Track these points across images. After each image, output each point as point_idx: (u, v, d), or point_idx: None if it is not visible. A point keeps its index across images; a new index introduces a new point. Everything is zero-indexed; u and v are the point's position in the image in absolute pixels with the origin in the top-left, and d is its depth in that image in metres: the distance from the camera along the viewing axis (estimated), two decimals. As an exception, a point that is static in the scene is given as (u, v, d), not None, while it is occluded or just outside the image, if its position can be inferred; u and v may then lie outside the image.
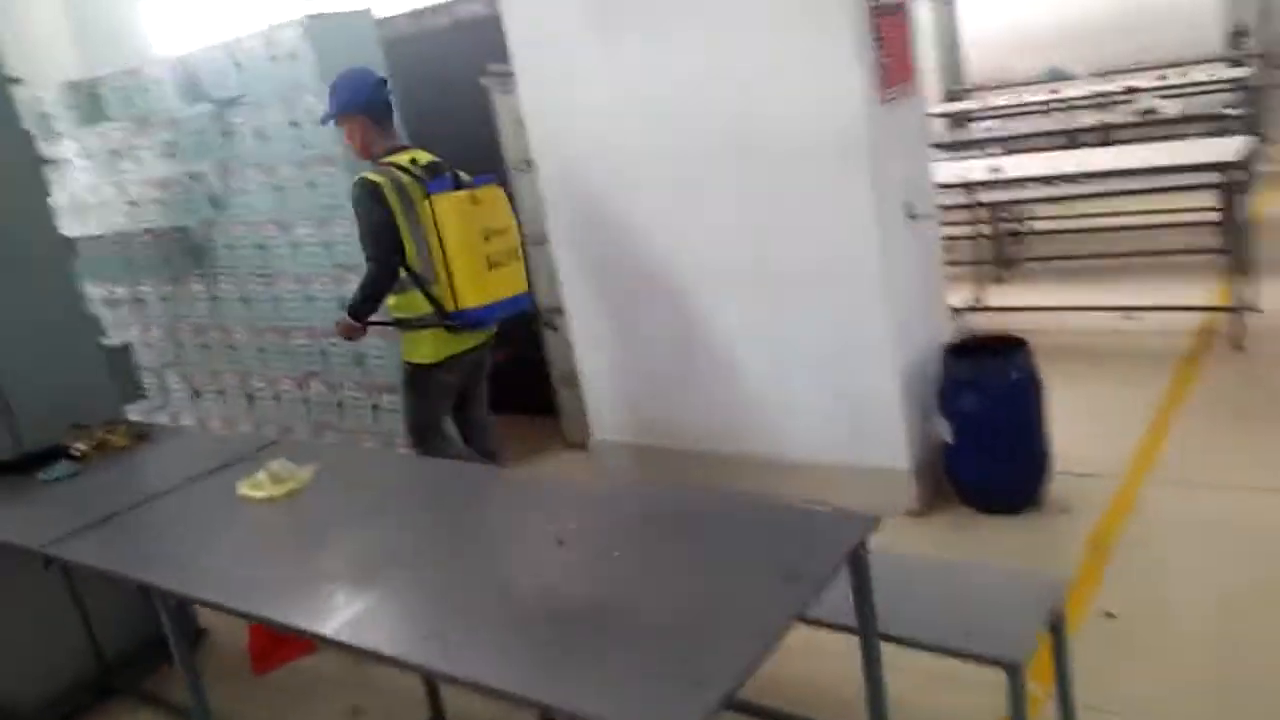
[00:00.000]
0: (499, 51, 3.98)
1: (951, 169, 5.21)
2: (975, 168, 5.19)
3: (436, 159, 3.44)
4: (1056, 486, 3.44)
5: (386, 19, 4.60)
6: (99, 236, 5.03)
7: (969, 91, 8.57)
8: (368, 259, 3.30)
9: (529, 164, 4.14)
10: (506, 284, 3.30)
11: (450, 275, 3.18)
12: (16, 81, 3.05)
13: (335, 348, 4.44)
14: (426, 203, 3.18)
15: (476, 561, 1.91)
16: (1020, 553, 3.17)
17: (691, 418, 3.93)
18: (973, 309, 5.18)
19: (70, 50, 5.68)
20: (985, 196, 5.41)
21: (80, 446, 2.93)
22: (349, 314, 3.37)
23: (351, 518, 2.21)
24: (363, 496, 2.31)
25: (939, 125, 7.37)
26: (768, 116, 3.35)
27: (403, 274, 3.31)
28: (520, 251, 3.39)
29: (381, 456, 2.53)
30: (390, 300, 3.40)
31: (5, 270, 3.01)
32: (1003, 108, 7.50)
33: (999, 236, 6.18)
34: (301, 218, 4.30)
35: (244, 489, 2.34)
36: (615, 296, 4.00)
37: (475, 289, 3.19)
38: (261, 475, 2.38)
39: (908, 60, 3.46)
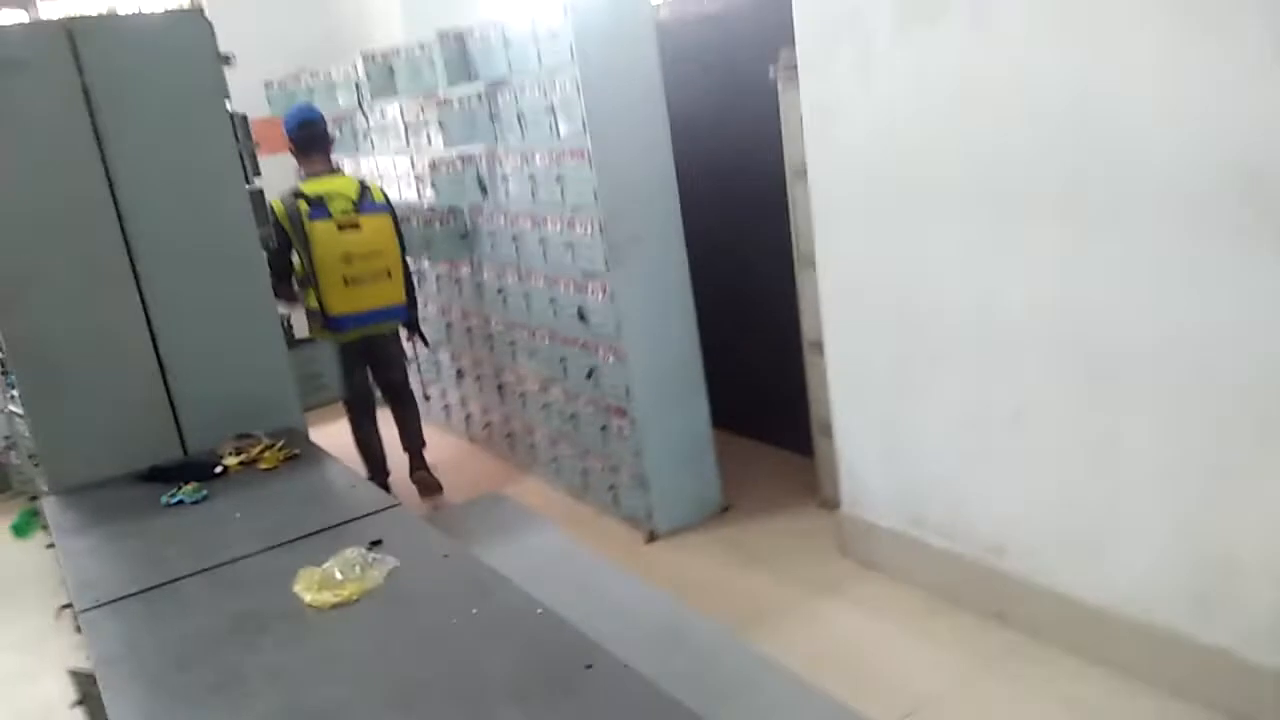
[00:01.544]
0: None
1: None
2: None
3: (353, 187, 4.18)
4: None
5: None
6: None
7: None
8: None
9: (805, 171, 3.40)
10: (368, 299, 4.11)
11: (317, 286, 4.03)
12: (227, 61, 2.86)
13: (572, 358, 4.03)
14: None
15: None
16: None
17: (974, 518, 3.03)
18: None
19: (401, 18, 5.71)
20: None
21: (227, 463, 2.73)
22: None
23: (388, 668, 1.69)
24: (418, 631, 1.80)
25: None
26: (1134, 141, 2.36)
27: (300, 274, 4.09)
28: (391, 272, 4.19)
29: (477, 573, 1.98)
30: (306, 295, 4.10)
31: (186, 269, 2.85)
32: None
33: None
34: (551, 213, 3.90)
35: (300, 583, 1.93)
36: (890, 343, 3.18)
37: (336, 300, 4.05)
38: (331, 564, 1.96)
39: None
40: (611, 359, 3.77)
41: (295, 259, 4.05)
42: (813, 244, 3.43)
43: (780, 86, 3.56)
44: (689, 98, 4.32)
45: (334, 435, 4.86)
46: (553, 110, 3.69)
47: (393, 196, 5.15)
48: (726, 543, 3.78)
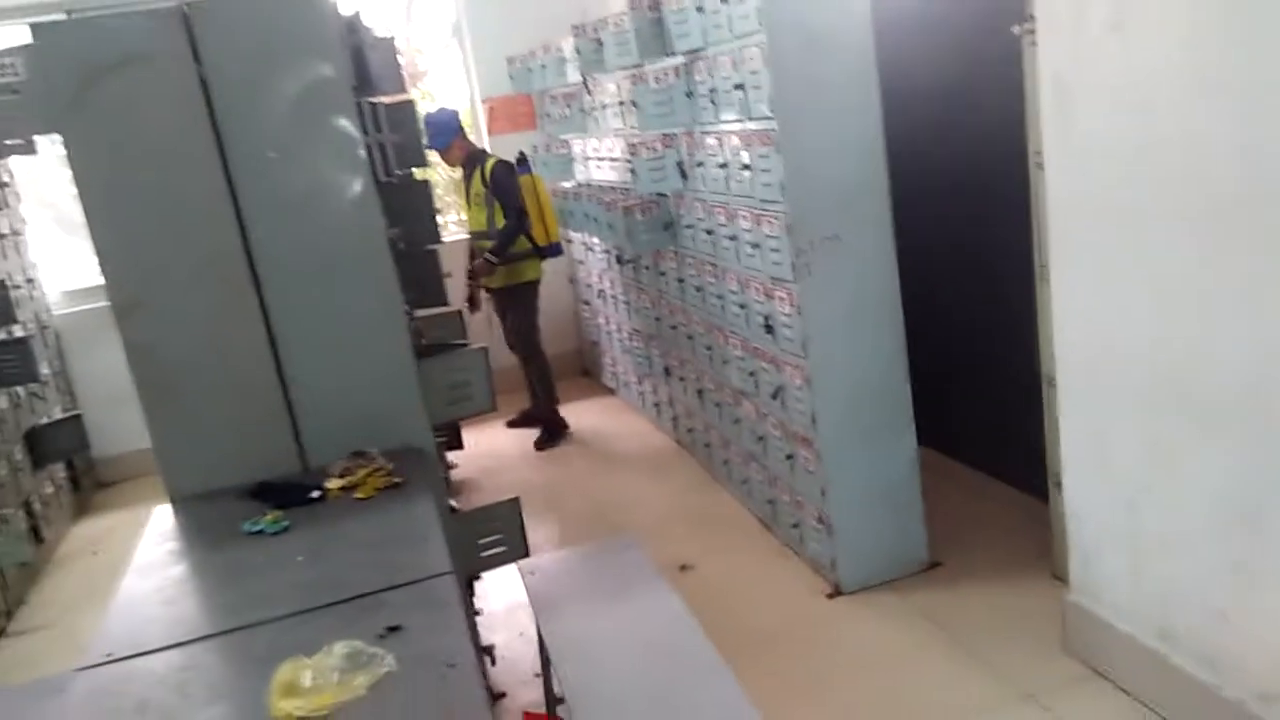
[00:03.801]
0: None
1: None
2: None
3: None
4: None
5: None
6: (587, 187, 4.76)
7: None
8: (511, 214, 4.95)
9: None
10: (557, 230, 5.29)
11: (544, 222, 5.20)
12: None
13: (761, 373, 3.50)
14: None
15: None
16: None
17: (1242, 649, 2.22)
18: None
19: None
20: None
21: (328, 486, 2.52)
22: (493, 254, 4.93)
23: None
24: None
25: None
26: None
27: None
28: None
29: (470, 692, 1.59)
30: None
31: (309, 274, 2.65)
32: None
33: None
34: (742, 206, 3.38)
35: (276, 679, 1.62)
36: (1142, 400, 2.39)
37: (553, 228, 5.25)
38: (317, 660, 1.64)
39: None
40: (798, 380, 3.21)
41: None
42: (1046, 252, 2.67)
43: (1025, 49, 2.80)
44: (911, 68, 3.64)
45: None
46: (742, 86, 3.16)
47: (606, 179, 4.91)
48: (924, 611, 3.12)
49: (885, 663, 2.91)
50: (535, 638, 2.81)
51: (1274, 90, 1.86)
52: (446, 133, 4.96)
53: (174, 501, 2.64)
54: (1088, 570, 2.69)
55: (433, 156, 4.95)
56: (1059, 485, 2.88)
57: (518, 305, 5.21)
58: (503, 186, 4.92)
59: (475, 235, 5.17)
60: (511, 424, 5.57)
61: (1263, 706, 2.14)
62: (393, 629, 1.77)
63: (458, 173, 5.31)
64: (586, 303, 6.03)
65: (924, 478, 3.31)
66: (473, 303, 5.14)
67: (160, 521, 2.53)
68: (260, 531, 2.33)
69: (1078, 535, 2.72)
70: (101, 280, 2.54)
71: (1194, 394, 2.21)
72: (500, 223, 4.94)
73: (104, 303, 2.61)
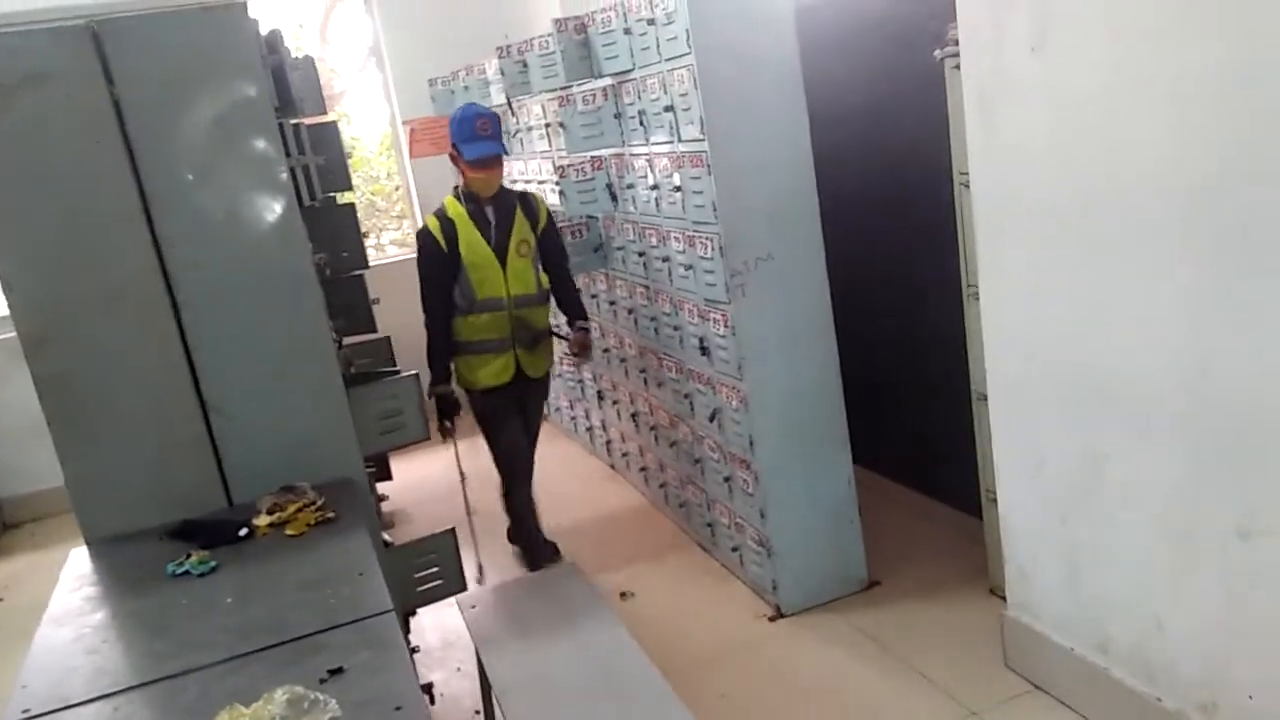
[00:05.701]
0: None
1: None
2: None
3: None
4: None
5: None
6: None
7: None
8: (573, 267, 3.87)
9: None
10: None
11: None
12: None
13: (696, 395, 3.49)
14: None
15: None
16: None
17: (1176, 658, 2.26)
18: None
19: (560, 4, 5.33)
20: None
21: (257, 523, 2.41)
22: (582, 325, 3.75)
23: None
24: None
25: None
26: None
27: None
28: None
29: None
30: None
31: (231, 299, 2.55)
32: None
33: None
34: (675, 228, 3.37)
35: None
36: (1072, 414, 2.43)
37: None
38: (263, 703, 1.55)
39: None
40: (735, 402, 3.20)
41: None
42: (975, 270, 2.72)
43: (947, 72, 2.85)
44: (836, 91, 3.70)
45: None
46: (672, 108, 3.15)
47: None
48: (865, 630, 3.12)
49: (830, 684, 2.90)
50: (475, 673, 2.73)
51: (1193, 102, 1.92)
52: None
53: (91, 543, 2.50)
54: (1024, 585, 2.72)
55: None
56: (993, 500, 2.92)
57: (543, 394, 3.95)
58: (558, 231, 3.81)
59: (520, 301, 3.55)
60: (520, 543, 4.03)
61: (1202, 717, 2.18)
62: (335, 672, 1.69)
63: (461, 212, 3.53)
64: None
65: (860, 497, 3.33)
66: (448, 425, 3.63)
67: (77, 565, 2.39)
68: (186, 573, 2.21)
69: (1013, 550, 2.75)
70: (7, 310, 2.40)
71: (1123, 405, 2.25)
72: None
73: (11, 333, 2.46)
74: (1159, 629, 2.28)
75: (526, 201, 3.61)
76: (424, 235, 3.53)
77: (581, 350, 3.68)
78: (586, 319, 3.74)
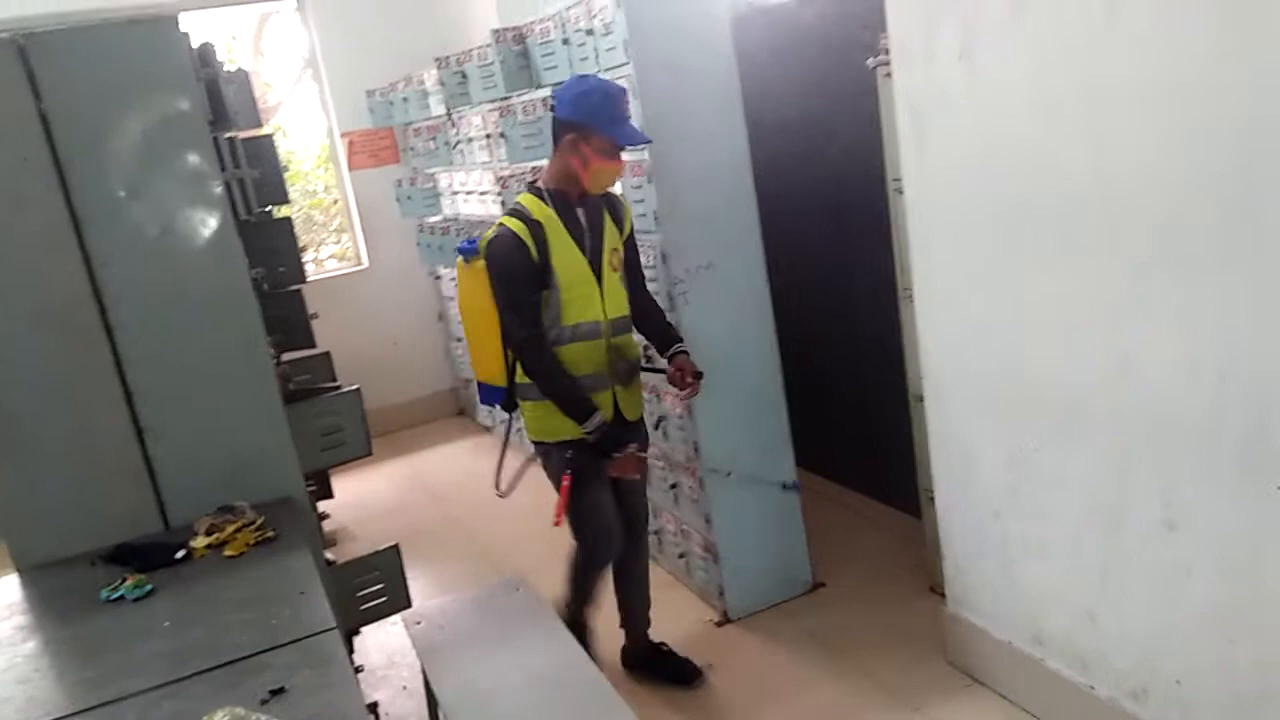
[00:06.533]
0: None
1: None
2: None
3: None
4: None
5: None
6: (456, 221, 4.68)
7: None
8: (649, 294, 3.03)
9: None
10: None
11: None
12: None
13: (647, 403, 3.50)
14: None
15: None
16: None
17: (1107, 647, 2.33)
18: None
19: (498, 16, 5.33)
20: None
21: (194, 545, 2.37)
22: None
23: None
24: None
25: None
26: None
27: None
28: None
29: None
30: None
31: (165, 317, 2.51)
32: None
33: None
34: (616, 237, 3.38)
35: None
36: (1002, 414, 2.50)
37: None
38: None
39: None
40: (679, 409, 3.22)
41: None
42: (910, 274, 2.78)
43: (879, 82, 2.92)
44: (774, 98, 3.75)
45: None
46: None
47: (475, 212, 4.82)
48: (811, 632, 3.17)
49: (778, 687, 2.93)
50: (421, 691, 2.71)
51: (1112, 110, 1.99)
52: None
53: (21, 571, 2.44)
54: (962, 581, 2.79)
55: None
56: (931, 500, 2.98)
57: (646, 442, 3.03)
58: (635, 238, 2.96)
59: (617, 326, 2.81)
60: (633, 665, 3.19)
61: (1134, 704, 2.25)
62: (276, 692, 1.68)
63: (545, 212, 2.70)
64: (459, 340, 5.92)
65: (804, 500, 3.37)
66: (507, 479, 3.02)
67: (7, 593, 2.34)
68: (121, 598, 2.17)
69: (950, 547, 2.82)
70: (-67, 333, 2.33)
71: (1051, 403, 2.32)
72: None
73: (-66, 356, 2.39)
74: (1091, 620, 2.35)
75: (612, 202, 2.84)
76: (505, 243, 2.64)
77: (691, 378, 2.84)
78: (681, 340, 2.93)
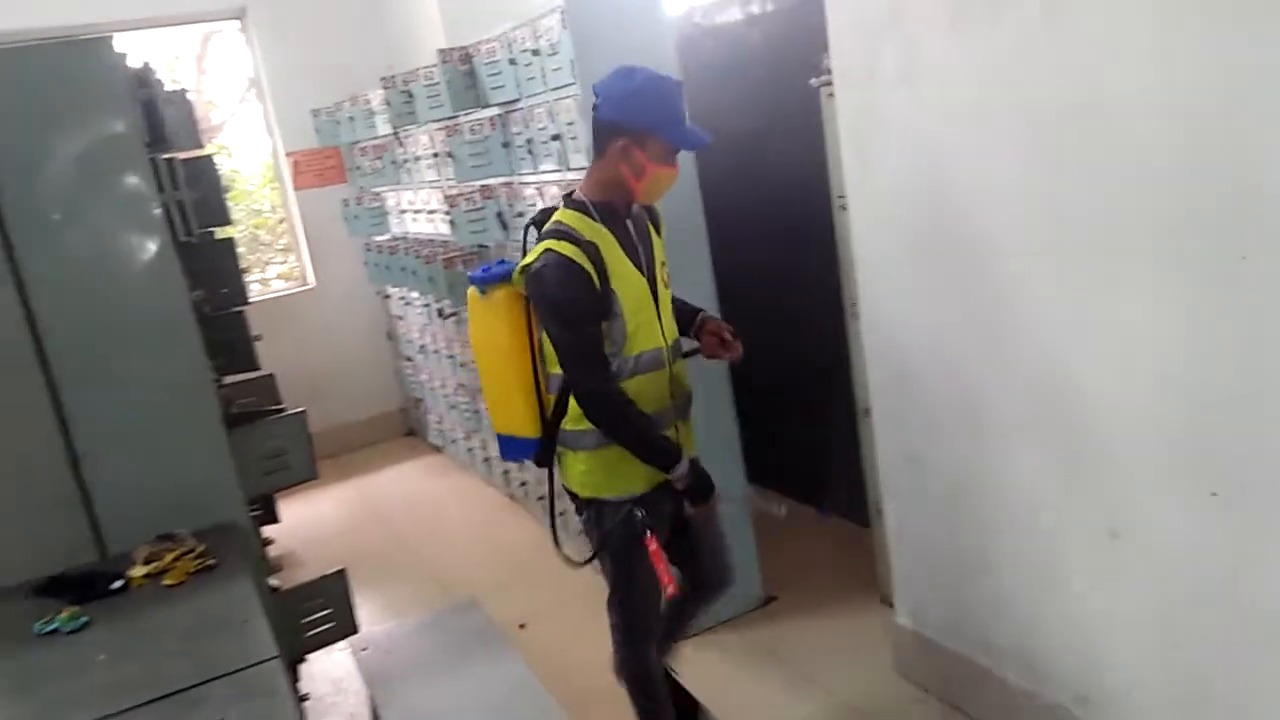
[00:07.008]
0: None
1: None
2: None
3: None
4: None
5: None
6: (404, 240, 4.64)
7: None
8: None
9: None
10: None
11: None
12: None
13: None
14: None
15: None
16: None
17: (1053, 655, 2.37)
18: None
19: (444, 36, 5.31)
20: None
21: (132, 574, 2.31)
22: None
23: None
24: None
25: None
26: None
27: None
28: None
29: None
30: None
31: (101, 342, 2.45)
32: None
33: None
34: (564, 256, 3.38)
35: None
36: (948, 427, 2.53)
37: None
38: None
39: None
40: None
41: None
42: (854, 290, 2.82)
43: (823, 100, 2.95)
44: (721, 117, 3.74)
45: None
46: (559, 137, 3.18)
47: (423, 231, 4.78)
48: (765, 646, 3.17)
49: (732, 703, 2.92)
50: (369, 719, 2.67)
51: (1049, 129, 2.03)
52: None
53: (-51, 605, 2.36)
54: (911, 592, 2.81)
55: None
56: (880, 512, 3.01)
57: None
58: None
59: (676, 350, 2.45)
60: None
61: (1080, 707, 2.29)
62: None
63: (594, 231, 2.24)
64: (408, 359, 5.87)
65: (753, 514, 3.38)
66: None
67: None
68: (54, 631, 2.12)
69: (899, 559, 2.84)
70: None
71: (995, 416, 2.36)
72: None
73: None
74: (1036, 628, 2.38)
75: (652, 210, 2.45)
76: (559, 273, 2.16)
77: (729, 335, 2.53)
78: (699, 309, 2.61)
